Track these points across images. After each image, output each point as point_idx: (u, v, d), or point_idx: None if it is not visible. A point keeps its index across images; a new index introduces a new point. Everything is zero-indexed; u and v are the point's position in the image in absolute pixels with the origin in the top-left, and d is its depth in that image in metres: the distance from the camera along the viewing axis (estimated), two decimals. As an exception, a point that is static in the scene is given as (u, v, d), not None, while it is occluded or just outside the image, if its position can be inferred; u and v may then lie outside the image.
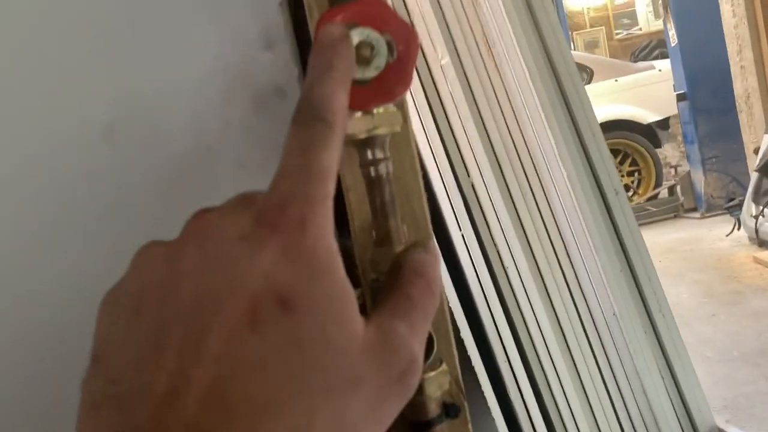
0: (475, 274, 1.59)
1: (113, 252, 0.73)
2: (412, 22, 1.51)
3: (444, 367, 0.70)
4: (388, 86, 0.62)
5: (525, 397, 1.58)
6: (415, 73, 1.55)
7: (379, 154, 0.69)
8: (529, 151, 1.57)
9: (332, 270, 0.33)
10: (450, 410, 0.72)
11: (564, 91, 1.55)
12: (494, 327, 1.58)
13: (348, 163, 0.71)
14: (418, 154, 0.80)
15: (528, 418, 1.58)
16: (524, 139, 1.57)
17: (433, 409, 0.72)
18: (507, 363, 1.59)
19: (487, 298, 1.58)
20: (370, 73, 0.61)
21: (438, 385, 0.69)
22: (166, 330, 0.29)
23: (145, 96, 0.73)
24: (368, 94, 0.61)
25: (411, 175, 0.73)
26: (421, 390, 0.67)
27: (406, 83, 0.63)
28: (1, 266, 0.71)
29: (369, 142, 0.68)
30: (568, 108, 1.57)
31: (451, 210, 1.60)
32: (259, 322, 0.28)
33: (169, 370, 0.27)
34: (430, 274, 0.39)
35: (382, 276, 0.71)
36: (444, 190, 1.59)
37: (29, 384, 0.72)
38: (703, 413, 1.64)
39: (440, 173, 1.59)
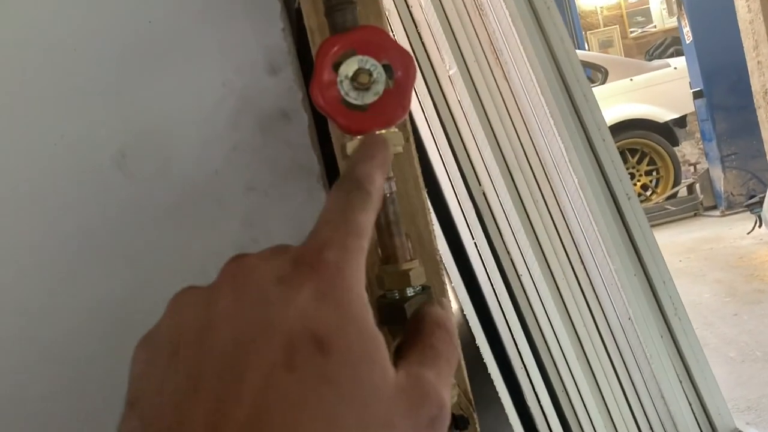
0: (488, 281, 1.60)
1: (127, 276, 0.75)
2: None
3: (452, 379, 0.71)
4: (387, 111, 0.64)
5: (542, 403, 1.58)
6: (423, 84, 1.56)
7: (382, 174, 0.71)
8: (539, 158, 1.58)
9: (364, 315, 0.34)
10: (459, 422, 0.73)
11: (573, 97, 1.56)
12: (509, 334, 1.58)
13: (352, 183, 0.73)
14: (423, 171, 0.81)
15: (546, 424, 1.59)
16: (534, 147, 1.57)
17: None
18: (523, 369, 1.60)
19: (502, 306, 1.59)
20: (369, 98, 0.63)
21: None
22: (203, 370, 0.29)
23: (154, 123, 0.75)
24: (368, 120, 0.63)
25: (415, 193, 0.74)
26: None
27: (404, 108, 0.65)
28: (18, 290, 0.73)
29: (371, 163, 0.70)
30: (578, 114, 1.57)
31: (464, 219, 1.61)
32: (295, 361, 0.29)
33: (207, 409, 0.28)
34: (450, 327, 0.40)
35: (389, 293, 0.73)
36: (456, 199, 1.61)
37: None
38: (723, 416, 1.63)
39: (451, 183, 1.61)
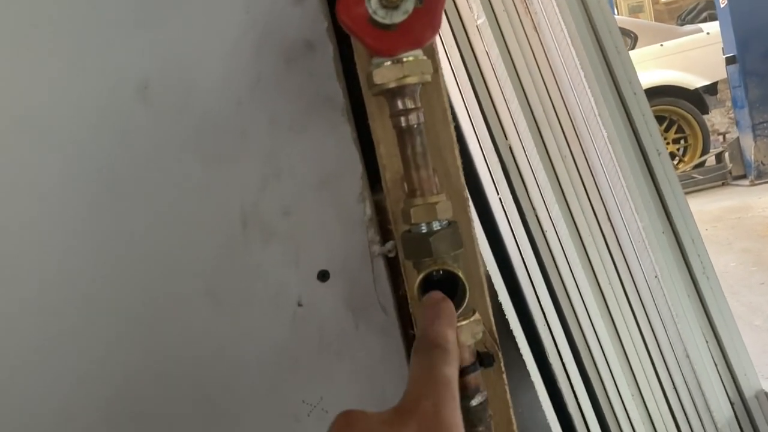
0: (513, 238, 1.58)
1: (147, 210, 0.75)
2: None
3: (477, 316, 0.70)
4: (416, 31, 0.62)
5: (564, 361, 1.57)
6: (450, 35, 1.53)
7: (410, 104, 0.69)
8: (568, 112, 1.54)
9: None
10: (484, 359, 0.72)
11: (604, 48, 1.51)
12: (533, 291, 1.57)
13: (378, 114, 0.71)
14: (451, 106, 0.79)
15: (568, 382, 1.58)
16: (563, 99, 1.54)
17: (467, 358, 0.72)
18: (546, 327, 1.58)
19: (526, 263, 1.57)
20: (398, 17, 0.61)
21: (471, 333, 0.69)
22: None
23: (177, 53, 0.74)
24: (396, 39, 0.61)
25: (443, 126, 0.72)
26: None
27: (434, 28, 0.63)
28: (39, 222, 0.73)
29: (399, 92, 0.67)
30: (609, 66, 1.53)
31: (489, 173, 1.58)
32: None
33: None
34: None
35: (415, 228, 0.71)
36: (481, 153, 1.58)
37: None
38: (750, 377, 1.60)
39: (477, 136, 1.58)
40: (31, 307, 0.73)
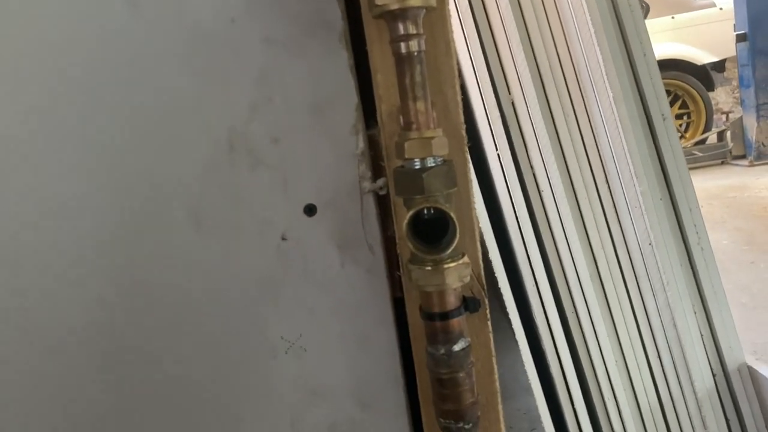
0: (508, 194, 1.55)
1: (133, 123, 0.71)
2: None
3: (465, 259, 0.68)
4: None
5: (550, 321, 1.56)
6: (459, -20, 1.47)
7: (412, 29, 0.65)
8: (575, 69, 1.50)
9: None
10: (470, 304, 0.69)
11: (616, 4, 1.46)
12: (524, 249, 1.54)
13: (378, 39, 0.67)
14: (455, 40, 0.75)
15: (552, 343, 1.57)
16: (571, 55, 1.49)
17: (452, 301, 0.69)
18: (535, 287, 1.57)
19: (519, 221, 1.54)
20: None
21: (458, 276, 0.67)
22: None
23: (169, -38, 0.69)
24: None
25: (445, 59, 0.68)
26: (440, 279, 0.65)
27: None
28: (21, 141, 0.69)
29: (401, 15, 0.63)
30: (620, 25, 1.48)
31: (489, 128, 1.55)
32: None
33: None
34: None
35: (408, 163, 0.68)
36: (483, 107, 1.54)
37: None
38: (734, 350, 1.60)
39: (480, 89, 1.54)
40: (5, 220, 0.70)
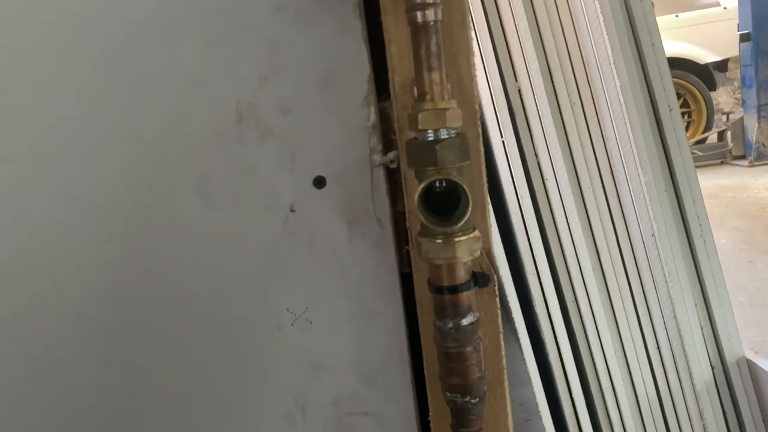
0: (512, 183, 1.54)
1: (141, 92, 0.70)
2: None
3: (476, 233, 0.67)
4: None
5: (550, 310, 1.55)
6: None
7: (429, -2, 0.64)
8: (582, 57, 1.49)
9: None
10: (479, 279, 0.69)
11: (626, -6, 1.45)
12: (525, 237, 1.54)
13: (393, 9, 0.67)
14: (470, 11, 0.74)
15: (551, 331, 1.56)
16: (579, 44, 1.48)
17: (462, 275, 0.69)
18: (535, 275, 1.56)
19: (522, 208, 1.54)
20: None
21: (469, 250, 0.66)
22: None
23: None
24: None
25: (460, 31, 0.68)
26: (451, 252, 0.65)
27: None
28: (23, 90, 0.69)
29: (418, -17, 0.63)
30: (629, 13, 1.47)
31: (495, 115, 1.54)
32: None
33: None
34: None
35: (421, 135, 0.67)
36: (489, 93, 1.53)
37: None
38: (733, 343, 1.60)
39: (487, 75, 1.53)
40: (8, 190, 0.70)
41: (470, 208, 0.63)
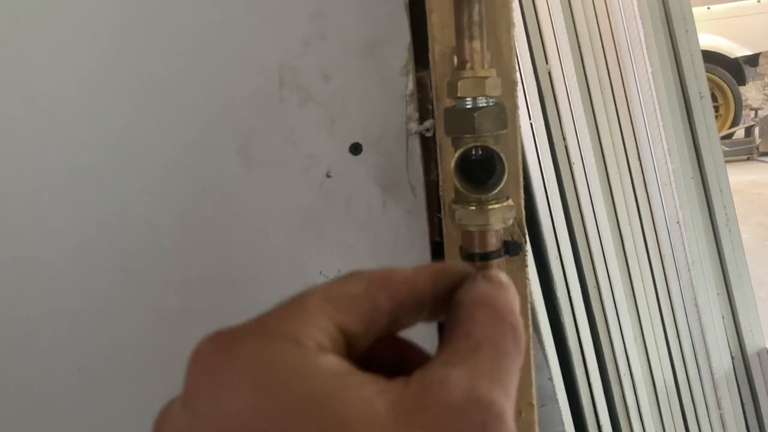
0: (539, 166, 1.55)
1: (179, 50, 0.72)
2: None
3: (510, 202, 0.68)
4: None
5: (572, 294, 1.56)
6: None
7: (473, -33, 0.65)
8: (614, 40, 1.49)
9: None
10: (510, 248, 0.70)
11: (662, -22, 1.45)
12: (550, 221, 1.55)
13: (437, -22, 0.68)
14: (510, -14, 0.75)
15: (572, 316, 1.58)
16: (611, 26, 1.48)
17: (494, 243, 0.70)
18: (558, 259, 1.57)
19: (548, 192, 1.54)
20: None
21: (502, 218, 0.67)
22: None
23: None
24: None
25: (501, 2, 0.69)
26: (484, 219, 0.66)
27: None
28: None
29: (464, -49, 0.64)
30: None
31: (524, 97, 1.54)
32: None
33: None
34: (500, 304, 0.31)
35: (460, 102, 0.69)
36: (519, 75, 1.53)
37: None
38: (755, 334, 1.60)
39: (517, 57, 1.53)
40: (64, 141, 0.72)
41: (505, 177, 0.64)
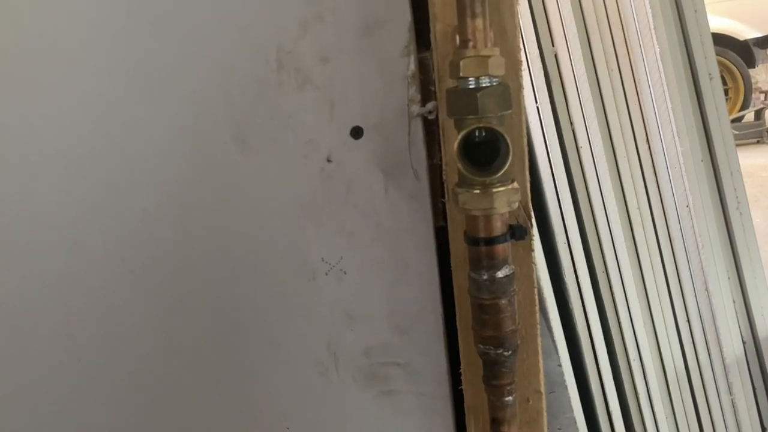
0: (545, 151, 1.53)
1: (178, 42, 0.70)
2: None
3: (515, 185, 0.67)
4: None
5: (580, 280, 1.54)
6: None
7: (474, -58, 0.63)
8: (621, 21, 1.46)
9: None
10: (516, 231, 0.69)
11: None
12: (557, 204, 1.52)
13: (437, -46, 0.65)
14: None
15: (580, 301, 1.56)
16: (618, 8, 1.45)
17: (499, 226, 0.69)
18: (566, 244, 1.55)
19: (555, 177, 1.52)
20: None
21: (507, 201, 0.66)
22: None
23: None
24: None
25: (504, -22, 0.66)
26: (489, 203, 0.64)
27: None
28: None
29: (464, -75, 0.61)
30: (672, -23, 1.43)
31: (530, 81, 1.52)
32: None
33: None
34: None
35: (462, 82, 0.67)
36: (525, 58, 1.51)
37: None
38: (766, 318, 1.58)
39: (523, 41, 1.51)
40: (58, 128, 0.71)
41: (510, 159, 0.63)
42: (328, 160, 0.74)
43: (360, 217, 0.75)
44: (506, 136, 0.62)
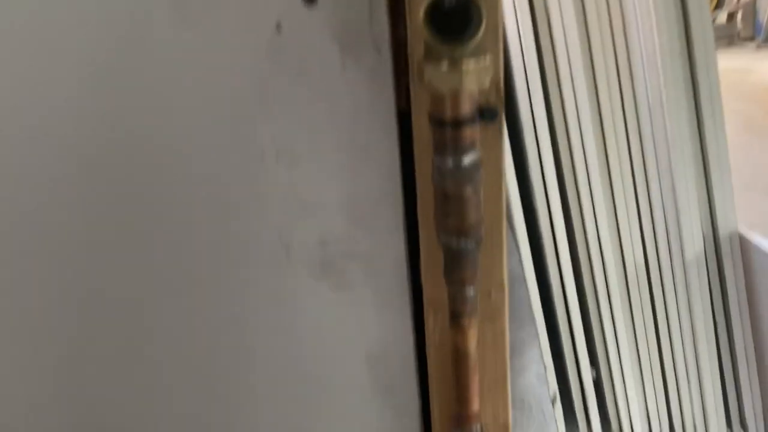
0: (516, 29, 1.44)
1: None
2: None
3: (487, 62, 0.60)
4: None
5: (546, 172, 1.50)
6: None
7: None
8: None
9: None
10: (485, 112, 0.62)
11: None
12: (527, 92, 1.46)
13: None
14: None
15: (544, 194, 1.53)
16: None
17: (467, 108, 0.62)
18: (533, 133, 1.50)
19: (525, 58, 1.45)
20: None
21: (477, 80, 0.59)
22: None
23: None
24: None
25: None
26: (457, 80, 0.58)
27: None
28: None
29: None
30: None
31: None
32: None
33: None
34: None
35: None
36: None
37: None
38: (728, 219, 1.57)
39: None
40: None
41: (483, 28, 0.55)
42: (277, 27, 0.65)
43: (312, 95, 0.67)
44: (480, 3, 0.55)
